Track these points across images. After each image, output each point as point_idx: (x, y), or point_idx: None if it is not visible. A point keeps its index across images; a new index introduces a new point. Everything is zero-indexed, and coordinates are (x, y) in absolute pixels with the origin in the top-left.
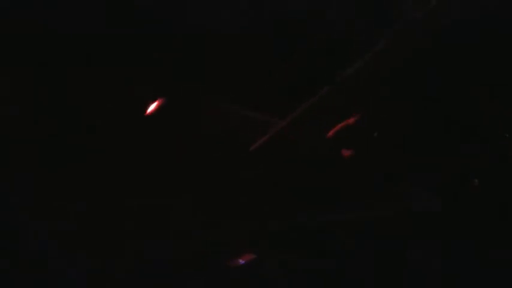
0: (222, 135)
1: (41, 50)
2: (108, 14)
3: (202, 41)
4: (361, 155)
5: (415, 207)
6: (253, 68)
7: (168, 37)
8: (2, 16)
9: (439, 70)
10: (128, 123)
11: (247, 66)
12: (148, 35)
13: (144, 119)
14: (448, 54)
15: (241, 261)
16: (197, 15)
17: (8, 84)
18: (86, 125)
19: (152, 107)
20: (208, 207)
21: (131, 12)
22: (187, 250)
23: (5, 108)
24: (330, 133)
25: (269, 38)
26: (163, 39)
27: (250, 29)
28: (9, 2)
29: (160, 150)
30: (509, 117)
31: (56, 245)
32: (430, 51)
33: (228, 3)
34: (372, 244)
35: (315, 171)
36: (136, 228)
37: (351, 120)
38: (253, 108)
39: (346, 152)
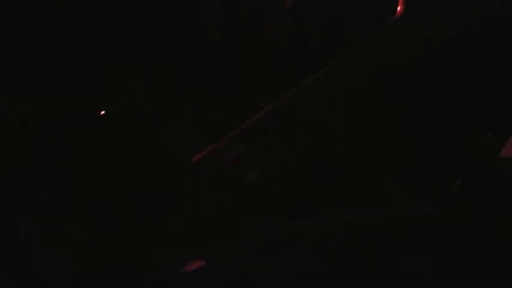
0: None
1: (41, 50)
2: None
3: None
4: (359, 156)
5: (414, 208)
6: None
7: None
8: (2, 16)
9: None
10: (127, 123)
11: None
12: (148, 35)
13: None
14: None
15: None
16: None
17: (7, 83)
18: (85, 124)
19: None
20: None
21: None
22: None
23: (5, 108)
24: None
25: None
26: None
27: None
28: (9, 2)
29: (159, 150)
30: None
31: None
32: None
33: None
34: (370, 246)
35: (310, 172)
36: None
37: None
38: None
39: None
